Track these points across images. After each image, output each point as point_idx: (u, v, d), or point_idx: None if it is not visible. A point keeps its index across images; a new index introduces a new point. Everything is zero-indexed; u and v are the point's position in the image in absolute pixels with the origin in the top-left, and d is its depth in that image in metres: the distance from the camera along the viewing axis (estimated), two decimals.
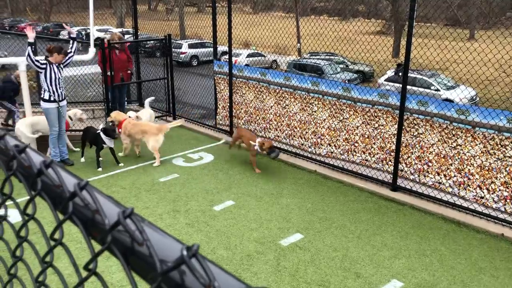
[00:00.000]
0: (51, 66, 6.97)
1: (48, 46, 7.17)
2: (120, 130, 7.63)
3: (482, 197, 5.81)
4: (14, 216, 5.06)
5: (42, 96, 7.07)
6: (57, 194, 0.61)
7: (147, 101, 9.12)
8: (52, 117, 7.08)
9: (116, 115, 7.78)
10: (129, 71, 9.50)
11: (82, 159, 7.61)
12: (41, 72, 6.95)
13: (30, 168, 0.64)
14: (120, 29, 28.53)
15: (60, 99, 7.12)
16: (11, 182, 0.73)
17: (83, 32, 27.77)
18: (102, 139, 7.11)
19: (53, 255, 0.67)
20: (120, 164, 7.44)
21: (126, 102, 9.95)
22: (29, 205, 0.67)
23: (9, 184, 0.73)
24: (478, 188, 5.83)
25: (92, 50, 8.20)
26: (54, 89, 7.00)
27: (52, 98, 7.01)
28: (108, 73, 8.96)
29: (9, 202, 0.81)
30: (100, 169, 7.27)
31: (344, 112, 7.06)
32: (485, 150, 5.67)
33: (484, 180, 5.75)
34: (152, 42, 13.52)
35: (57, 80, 7.03)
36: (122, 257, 0.50)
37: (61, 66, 7.16)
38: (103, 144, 7.16)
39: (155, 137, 7.47)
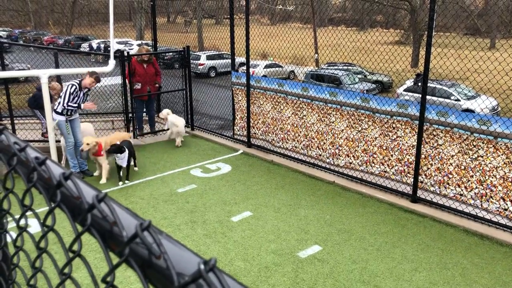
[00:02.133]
0: (78, 91, 7.20)
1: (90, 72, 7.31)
2: (101, 152, 7.21)
3: (505, 209, 5.68)
4: (34, 226, 5.13)
5: (55, 108, 7.22)
6: (76, 206, 0.62)
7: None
8: (64, 129, 7.22)
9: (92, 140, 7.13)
10: (156, 85, 9.60)
11: (120, 183, 7.25)
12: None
13: (50, 180, 0.64)
14: (139, 41, 28.99)
15: (70, 114, 7.29)
16: (31, 193, 0.74)
17: (103, 45, 28.29)
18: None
19: (72, 266, 0.67)
20: (120, 182, 7.23)
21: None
22: (49, 216, 0.68)
23: (29, 196, 0.74)
24: (501, 200, 5.70)
25: (112, 62, 8.32)
26: (69, 108, 7.19)
27: (63, 112, 7.18)
28: (137, 86, 9.10)
29: (29, 213, 0.82)
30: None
31: (362, 123, 7.01)
32: (508, 161, 5.55)
33: (508, 192, 5.62)
34: (170, 54, 13.70)
35: (77, 103, 7.24)
36: (139, 270, 0.49)
37: (87, 93, 7.41)
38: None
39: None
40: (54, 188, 0.62)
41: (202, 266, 0.41)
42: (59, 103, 7.19)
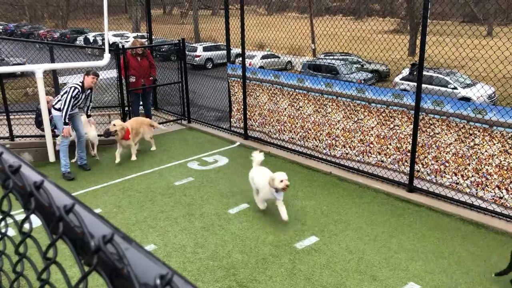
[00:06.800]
0: (81, 94, 7.10)
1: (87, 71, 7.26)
2: (129, 136, 7.72)
3: (501, 197, 5.71)
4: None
5: (54, 104, 7.14)
6: (50, 213, 0.62)
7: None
8: (61, 125, 7.06)
9: (120, 124, 7.68)
10: (151, 78, 9.54)
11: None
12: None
13: (24, 188, 0.65)
14: (135, 34, 28.83)
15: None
16: (9, 199, 0.75)
17: (99, 38, 28.12)
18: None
19: (50, 272, 0.67)
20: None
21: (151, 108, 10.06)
22: (25, 223, 0.68)
23: (7, 202, 0.75)
24: (496, 188, 5.72)
25: (107, 56, 8.28)
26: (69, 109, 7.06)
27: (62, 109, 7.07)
28: (131, 79, 9.06)
29: (10, 218, 0.82)
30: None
31: (358, 113, 7.01)
32: (504, 150, 5.57)
33: (503, 180, 5.64)
34: (166, 46, 13.64)
35: (77, 106, 7.24)
36: (108, 279, 0.50)
37: (91, 95, 7.40)
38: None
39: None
40: (27, 197, 0.63)
41: (158, 281, 0.41)
42: (59, 100, 7.07)
